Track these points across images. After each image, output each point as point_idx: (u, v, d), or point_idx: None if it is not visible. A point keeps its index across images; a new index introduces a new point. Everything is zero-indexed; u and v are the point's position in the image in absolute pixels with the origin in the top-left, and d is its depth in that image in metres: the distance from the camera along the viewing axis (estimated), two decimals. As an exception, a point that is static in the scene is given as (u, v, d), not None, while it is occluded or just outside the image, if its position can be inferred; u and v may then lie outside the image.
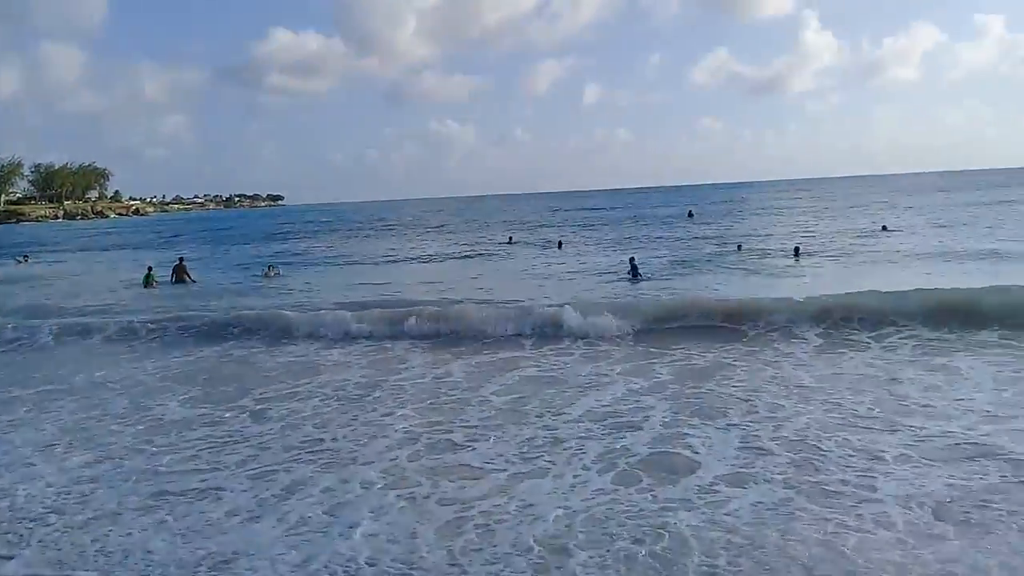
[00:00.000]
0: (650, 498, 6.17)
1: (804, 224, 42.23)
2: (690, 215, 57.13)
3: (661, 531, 5.56)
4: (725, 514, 5.80)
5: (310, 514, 6.17)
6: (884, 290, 13.70)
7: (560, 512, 5.97)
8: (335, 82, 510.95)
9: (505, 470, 6.94)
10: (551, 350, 12.25)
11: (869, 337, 11.85)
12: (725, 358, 11.04)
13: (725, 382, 9.68)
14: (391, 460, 7.33)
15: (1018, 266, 20.71)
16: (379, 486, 6.69)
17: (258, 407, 9.53)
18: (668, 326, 13.36)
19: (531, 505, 6.13)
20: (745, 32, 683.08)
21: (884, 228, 34.66)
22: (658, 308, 14.20)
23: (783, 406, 8.47)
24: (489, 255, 33.41)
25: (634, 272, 22.14)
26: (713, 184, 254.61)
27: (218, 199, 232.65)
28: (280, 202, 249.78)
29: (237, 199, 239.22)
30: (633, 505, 6.05)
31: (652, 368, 10.61)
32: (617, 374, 10.43)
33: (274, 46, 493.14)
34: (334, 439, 8.07)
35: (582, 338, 12.90)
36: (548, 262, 28.61)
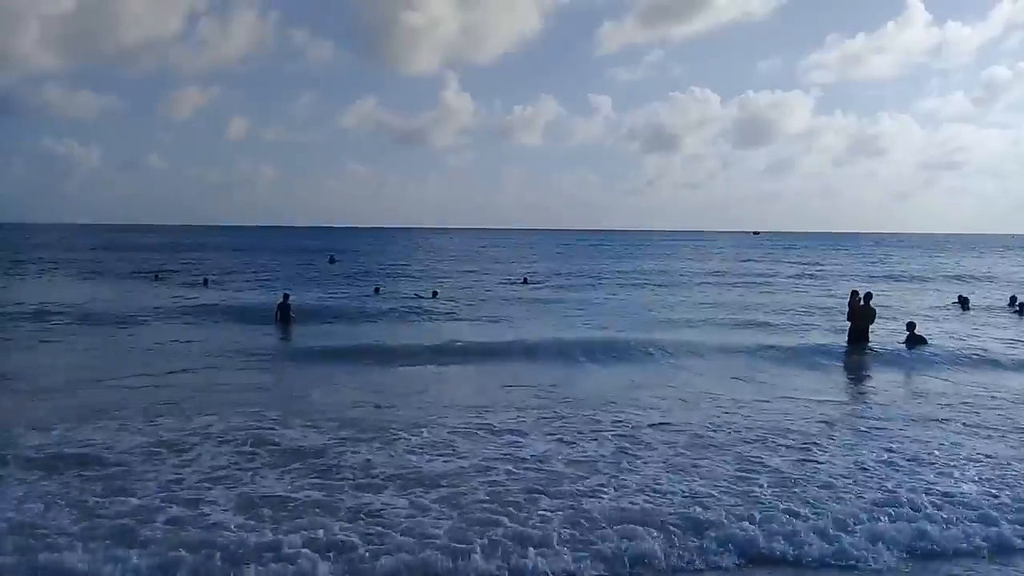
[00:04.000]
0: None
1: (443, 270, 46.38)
2: (332, 261, 54.67)
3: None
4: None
5: None
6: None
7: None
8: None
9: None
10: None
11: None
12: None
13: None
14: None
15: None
16: None
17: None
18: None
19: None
20: (394, 84, 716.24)
21: (525, 280, 38.78)
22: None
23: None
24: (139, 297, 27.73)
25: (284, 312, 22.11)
26: (359, 228, 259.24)
27: None
28: None
29: None
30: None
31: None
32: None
33: None
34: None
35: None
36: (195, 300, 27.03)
